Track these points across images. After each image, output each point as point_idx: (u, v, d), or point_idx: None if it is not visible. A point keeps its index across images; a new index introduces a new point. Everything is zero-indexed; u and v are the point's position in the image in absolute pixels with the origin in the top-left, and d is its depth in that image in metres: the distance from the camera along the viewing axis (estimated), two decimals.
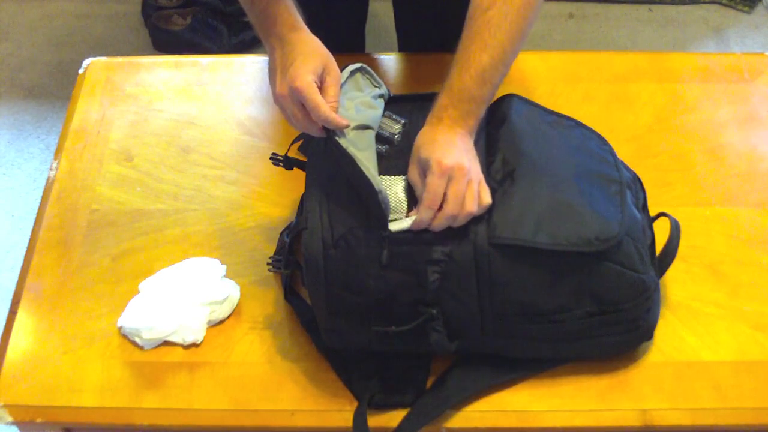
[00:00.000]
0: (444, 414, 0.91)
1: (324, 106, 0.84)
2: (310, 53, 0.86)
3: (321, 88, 0.86)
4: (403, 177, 0.89)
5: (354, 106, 0.90)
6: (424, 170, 0.85)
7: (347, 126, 0.86)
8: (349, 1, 1.34)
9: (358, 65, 0.94)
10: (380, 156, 0.91)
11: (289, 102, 0.86)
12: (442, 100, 0.89)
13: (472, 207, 0.84)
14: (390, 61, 1.29)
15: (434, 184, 0.84)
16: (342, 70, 0.91)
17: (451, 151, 0.85)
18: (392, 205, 0.87)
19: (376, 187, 0.83)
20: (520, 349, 0.93)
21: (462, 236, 0.85)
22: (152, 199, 1.11)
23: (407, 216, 0.86)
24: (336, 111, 0.86)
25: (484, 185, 0.86)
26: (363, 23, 1.42)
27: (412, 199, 0.88)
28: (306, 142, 1.07)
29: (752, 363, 0.96)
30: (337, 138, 0.85)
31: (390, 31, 1.42)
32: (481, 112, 0.90)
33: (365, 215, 0.86)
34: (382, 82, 0.96)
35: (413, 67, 1.28)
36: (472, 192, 0.84)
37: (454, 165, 0.83)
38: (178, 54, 1.35)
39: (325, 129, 0.86)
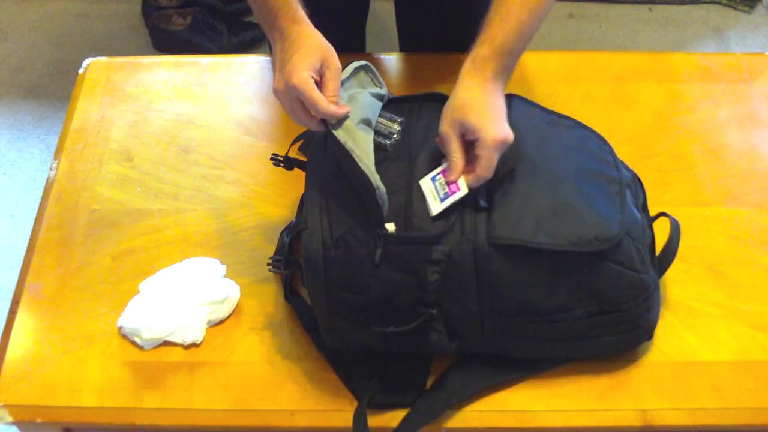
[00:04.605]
0: (444, 414, 0.91)
1: (322, 102, 0.84)
2: (309, 48, 0.86)
3: (320, 82, 0.86)
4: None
5: (354, 102, 0.90)
6: (466, 134, 0.86)
7: (347, 112, 0.86)
8: (350, 1, 1.34)
9: (363, 63, 0.94)
10: (379, 155, 0.91)
11: (286, 98, 0.86)
12: (483, 51, 0.88)
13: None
14: (390, 61, 1.29)
15: (490, 158, 0.85)
16: (346, 66, 0.90)
17: (500, 120, 0.87)
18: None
19: (374, 183, 0.84)
20: (520, 349, 0.93)
21: (461, 236, 0.85)
22: (152, 199, 1.11)
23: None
24: (336, 105, 0.86)
25: None
26: (364, 23, 1.42)
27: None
28: (306, 142, 1.07)
29: (752, 363, 0.96)
30: (335, 132, 0.85)
31: (390, 31, 1.42)
32: (514, 67, 0.91)
33: (364, 215, 0.86)
34: (383, 83, 0.96)
35: (413, 67, 1.28)
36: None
37: (505, 139, 0.85)
38: (178, 54, 1.36)
39: (324, 124, 0.86)
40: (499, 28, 0.89)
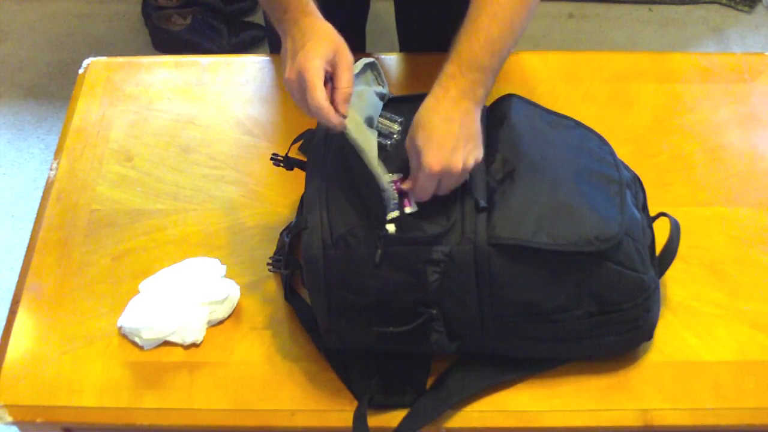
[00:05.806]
0: (444, 414, 0.91)
1: (320, 93, 0.82)
2: (321, 38, 0.85)
3: (333, 74, 0.85)
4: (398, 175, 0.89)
5: (361, 100, 0.90)
6: (416, 154, 0.84)
7: (343, 119, 0.84)
8: (350, 1, 1.34)
9: (371, 60, 0.93)
10: (380, 155, 0.91)
11: (296, 86, 0.85)
12: (449, 68, 0.86)
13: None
14: (390, 61, 1.29)
15: (424, 185, 0.84)
16: (356, 61, 0.90)
17: (447, 146, 0.83)
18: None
19: (382, 185, 0.83)
20: (520, 349, 0.93)
21: (461, 236, 0.85)
22: (152, 199, 1.11)
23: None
24: (349, 98, 0.84)
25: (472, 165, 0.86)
26: (364, 23, 1.42)
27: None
28: (306, 142, 1.07)
29: (752, 363, 0.96)
30: (348, 130, 0.85)
31: (390, 31, 1.42)
32: (490, 83, 0.88)
33: (365, 215, 0.86)
34: (386, 82, 0.96)
35: (413, 67, 1.28)
36: (462, 178, 0.85)
37: (442, 170, 0.82)
38: (178, 54, 1.36)
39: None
40: (466, 44, 0.86)
